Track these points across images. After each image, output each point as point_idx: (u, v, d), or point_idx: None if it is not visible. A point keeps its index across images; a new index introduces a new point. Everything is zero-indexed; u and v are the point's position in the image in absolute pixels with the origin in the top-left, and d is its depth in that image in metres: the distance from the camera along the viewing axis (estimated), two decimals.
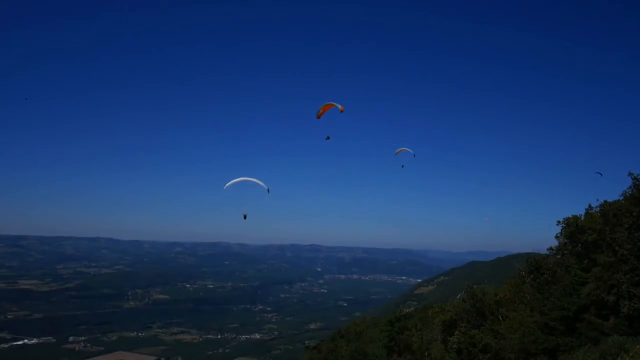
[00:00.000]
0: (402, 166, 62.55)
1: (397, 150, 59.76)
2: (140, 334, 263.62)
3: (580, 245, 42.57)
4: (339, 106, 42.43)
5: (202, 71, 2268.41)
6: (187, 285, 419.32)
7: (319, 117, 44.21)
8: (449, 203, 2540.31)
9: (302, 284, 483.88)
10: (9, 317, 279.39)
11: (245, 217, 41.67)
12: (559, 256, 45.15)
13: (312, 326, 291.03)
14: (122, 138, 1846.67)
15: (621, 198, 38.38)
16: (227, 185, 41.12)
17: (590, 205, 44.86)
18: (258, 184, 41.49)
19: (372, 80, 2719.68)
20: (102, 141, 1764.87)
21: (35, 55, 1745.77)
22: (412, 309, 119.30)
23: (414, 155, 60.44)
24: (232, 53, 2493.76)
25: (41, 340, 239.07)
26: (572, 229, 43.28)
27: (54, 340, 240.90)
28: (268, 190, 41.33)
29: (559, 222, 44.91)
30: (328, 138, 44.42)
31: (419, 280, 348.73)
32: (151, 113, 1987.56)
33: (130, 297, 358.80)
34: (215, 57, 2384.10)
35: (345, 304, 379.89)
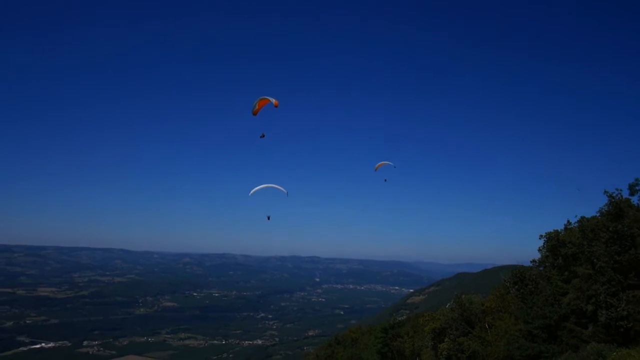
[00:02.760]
0: (385, 180, 61.81)
1: (377, 165, 58.22)
2: (150, 339, 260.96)
3: (560, 258, 42.57)
4: (274, 101, 38.02)
5: (206, 85, 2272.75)
6: (194, 294, 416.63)
7: (255, 114, 39.46)
8: (439, 219, 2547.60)
9: (302, 293, 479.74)
10: (27, 322, 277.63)
11: (269, 218, 43.06)
12: (541, 268, 45.13)
13: (311, 333, 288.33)
14: (134, 156, 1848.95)
15: (598, 214, 38.54)
16: (252, 192, 41.48)
17: (569, 221, 45.05)
18: (279, 189, 41.99)
19: (368, 100, 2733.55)
20: (117, 160, 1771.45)
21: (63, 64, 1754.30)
22: (405, 317, 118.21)
23: (394, 167, 59.19)
24: (239, 67, 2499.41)
25: (57, 344, 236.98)
26: (553, 242, 43.35)
27: (69, 344, 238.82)
28: (287, 194, 41.73)
29: (541, 236, 45.03)
30: (262, 136, 39.67)
31: (411, 290, 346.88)
32: (162, 132, 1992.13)
33: (141, 304, 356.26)
34: (220, 72, 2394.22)
35: (342, 312, 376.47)
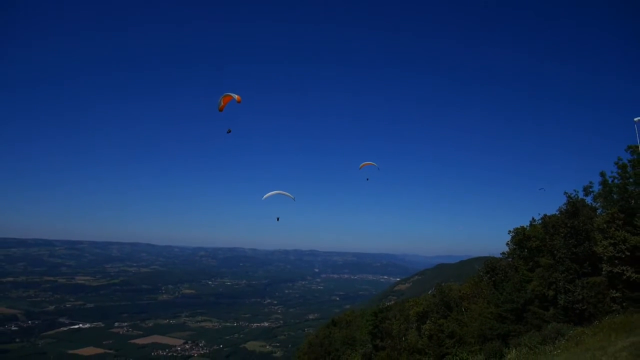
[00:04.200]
0: (367, 179, 58.32)
1: (362, 164, 55.29)
2: (171, 321, 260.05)
3: (526, 250, 42.82)
4: (236, 97, 34.50)
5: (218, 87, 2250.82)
6: (209, 282, 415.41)
7: (221, 110, 35.98)
8: (422, 216, 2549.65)
9: (303, 282, 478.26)
10: (67, 306, 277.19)
11: (278, 220, 43.01)
12: (509, 259, 45.28)
13: (311, 316, 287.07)
14: (160, 164, 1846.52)
15: (558, 212, 38.88)
16: (265, 196, 41.41)
17: (533, 218, 45.33)
18: (287, 195, 42.04)
19: (362, 102, 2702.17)
20: (143, 166, 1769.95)
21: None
22: (392, 302, 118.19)
23: (378, 169, 56.40)
24: (252, 69, 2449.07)
25: (93, 325, 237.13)
26: (520, 237, 43.58)
27: (102, 325, 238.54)
28: (294, 199, 41.77)
29: (509, 231, 45.24)
30: (229, 131, 36.67)
31: (398, 279, 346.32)
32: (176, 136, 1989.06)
33: (164, 292, 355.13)
34: (238, 74, 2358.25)
35: (338, 299, 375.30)
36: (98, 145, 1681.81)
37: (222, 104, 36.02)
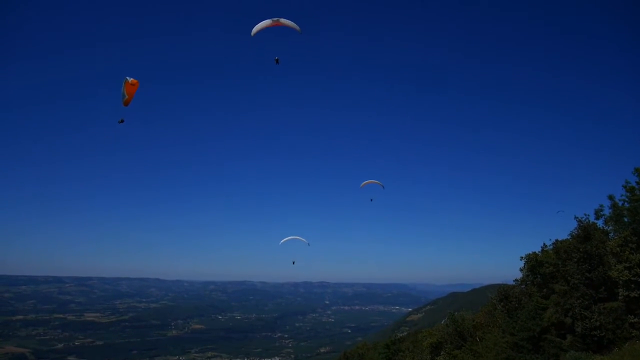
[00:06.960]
0: (372, 200, 55.71)
1: (363, 183, 52.26)
2: (181, 358, 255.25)
3: (539, 276, 42.16)
4: (131, 80, 28.70)
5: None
6: (219, 317, 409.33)
7: (126, 105, 30.00)
8: (433, 244, 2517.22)
9: (313, 315, 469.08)
10: (76, 344, 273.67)
11: (294, 263, 43.62)
12: (523, 286, 44.57)
13: (323, 350, 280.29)
14: (168, 200, 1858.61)
15: (569, 237, 38.45)
16: (281, 241, 42.42)
17: (545, 244, 44.81)
18: (302, 240, 42.83)
19: (368, 124, 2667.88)
20: (152, 201, 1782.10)
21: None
22: (405, 333, 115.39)
23: (383, 187, 53.74)
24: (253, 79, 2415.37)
25: None
26: (532, 263, 43.02)
27: None
28: (309, 244, 42.41)
29: (521, 258, 44.73)
30: (121, 121, 31.89)
31: (410, 309, 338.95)
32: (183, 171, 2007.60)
33: (173, 327, 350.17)
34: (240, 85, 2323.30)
35: (349, 331, 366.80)
36: (105, 181, 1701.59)
37: (127, 97, 29.71)
